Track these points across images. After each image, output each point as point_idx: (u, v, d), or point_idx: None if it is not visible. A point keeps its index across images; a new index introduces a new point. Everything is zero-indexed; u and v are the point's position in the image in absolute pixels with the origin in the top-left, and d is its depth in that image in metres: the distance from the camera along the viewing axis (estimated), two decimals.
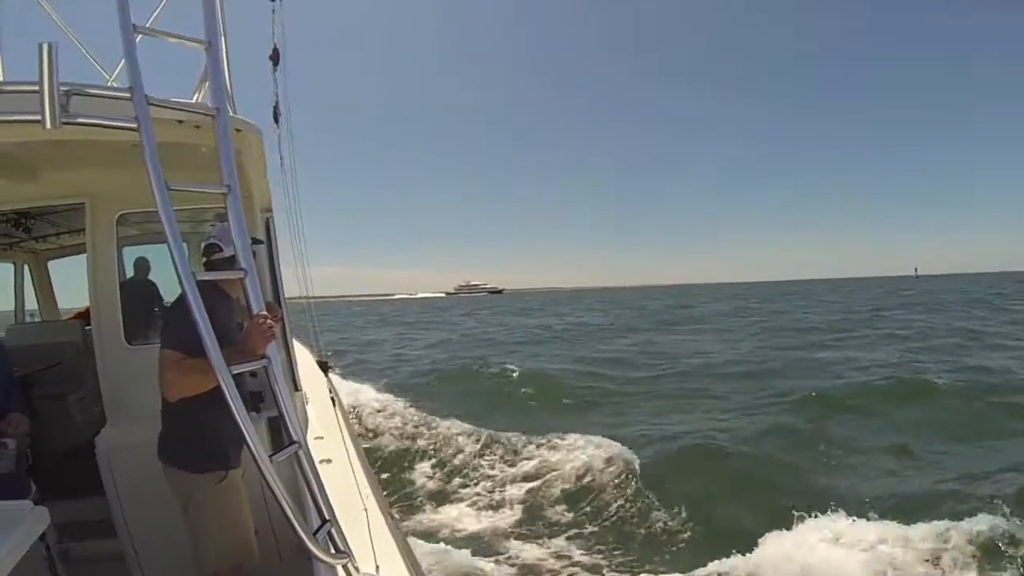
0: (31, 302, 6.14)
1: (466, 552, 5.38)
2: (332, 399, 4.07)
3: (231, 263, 2.11)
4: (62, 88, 1.52)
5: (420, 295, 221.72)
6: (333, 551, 1.73)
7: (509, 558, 5.61)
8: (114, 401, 3.30)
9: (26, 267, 5.91)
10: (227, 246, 2.15)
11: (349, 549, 1.77)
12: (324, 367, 5.03)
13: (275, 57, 2.42)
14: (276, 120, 2.35)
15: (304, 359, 5.89)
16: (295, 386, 4.08)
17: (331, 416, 4.04)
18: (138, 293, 4.09)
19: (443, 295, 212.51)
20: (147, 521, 2.75)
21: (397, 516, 3.03)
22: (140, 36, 1.53)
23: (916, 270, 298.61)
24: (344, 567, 1.78)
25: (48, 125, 1.52)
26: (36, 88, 1.44)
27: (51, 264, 6.23)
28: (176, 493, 2.20)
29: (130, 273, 4.45)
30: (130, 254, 4.42)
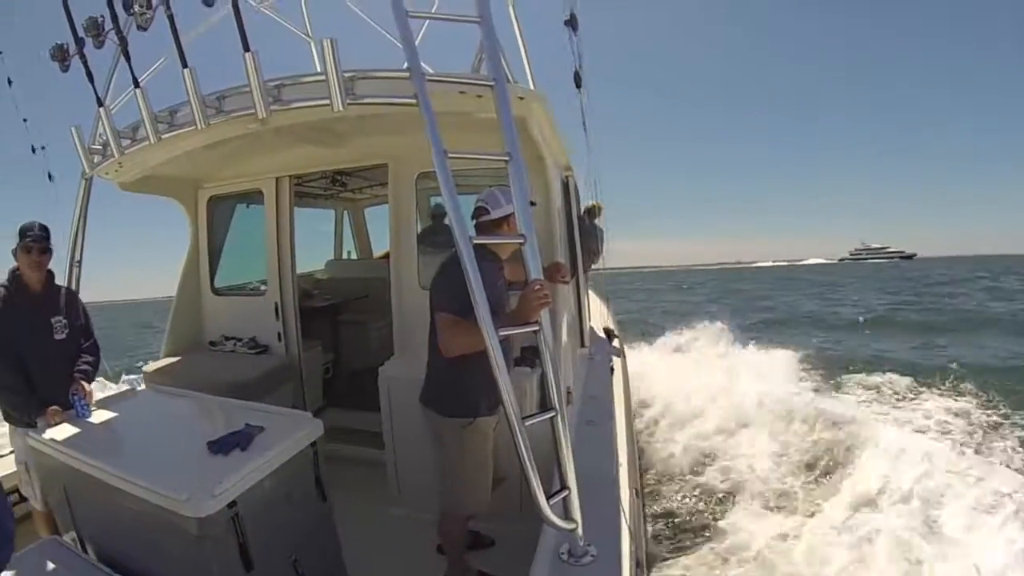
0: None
1: None
2: (611, 368, 4.07)
3: (496, 226, 2.27)
4: (346, 75, 1.73)
5: (809, 261, 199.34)
6: (564, 517, 1.78)
7: None
8: (402, 336, 3.70)
9: (346, 213, 7.28)
10: (494, 209, 2.27)
11: (579, 520, 1.80)
12: (609, 335, 5.06)
13: (572, 22, 2.43)
14: (578, 86, 2.39)
15: (599, 315, 5.98)
16: (581, 342, 4.16)
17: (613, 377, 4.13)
18: (437, 239, 4.15)
19: (833, 261, 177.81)
20: (410, 444, 3.09)
21: (643, 494, 2.82)
22: (414, 20, 1.64)
23: None
24: (572, 534, 1.82)
25: (336, 108, 1.77)
26: (323, 78, 1.67)
27: (369, 212, 7.43)
28: (429, 430, 2.50)
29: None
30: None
